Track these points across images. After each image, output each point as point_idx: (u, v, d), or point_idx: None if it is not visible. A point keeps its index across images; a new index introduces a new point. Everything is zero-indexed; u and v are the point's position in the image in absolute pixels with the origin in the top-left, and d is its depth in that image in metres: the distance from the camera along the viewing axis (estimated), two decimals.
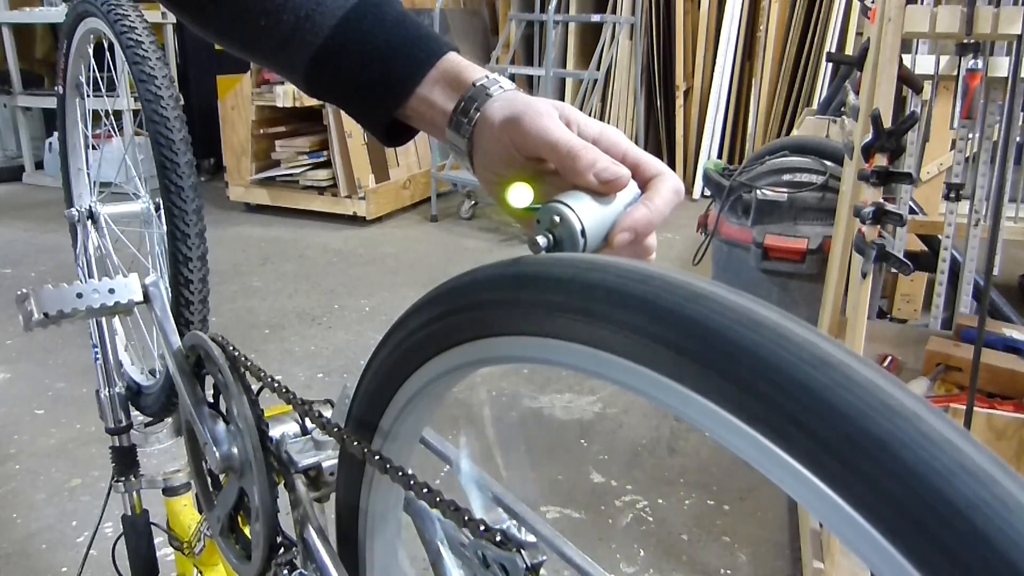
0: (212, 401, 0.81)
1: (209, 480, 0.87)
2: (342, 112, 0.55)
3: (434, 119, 0.51)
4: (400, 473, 0.49)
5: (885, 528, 0.26)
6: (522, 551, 0.43)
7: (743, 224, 2.45)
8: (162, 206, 1.00)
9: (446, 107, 0.50)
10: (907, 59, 2.11)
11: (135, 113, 1.06)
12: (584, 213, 0.44)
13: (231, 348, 0.74)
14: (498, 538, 0.44)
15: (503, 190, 0.48)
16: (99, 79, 1.23)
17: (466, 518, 0.45)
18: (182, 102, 1.03)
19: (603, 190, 0.46)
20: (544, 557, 0.43)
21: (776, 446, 0.29)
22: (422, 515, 0.60)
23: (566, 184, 0.47)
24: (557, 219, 0.44)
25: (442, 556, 0.60)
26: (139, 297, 0.82)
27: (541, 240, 0.44)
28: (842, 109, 2.20)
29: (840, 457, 0.27)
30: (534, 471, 1.89)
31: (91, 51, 1.22)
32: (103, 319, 1.09)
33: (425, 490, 0.48)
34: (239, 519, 0.81)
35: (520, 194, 0.46)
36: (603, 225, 0.45)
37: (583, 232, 0.44)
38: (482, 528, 0.44)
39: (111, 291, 0.79)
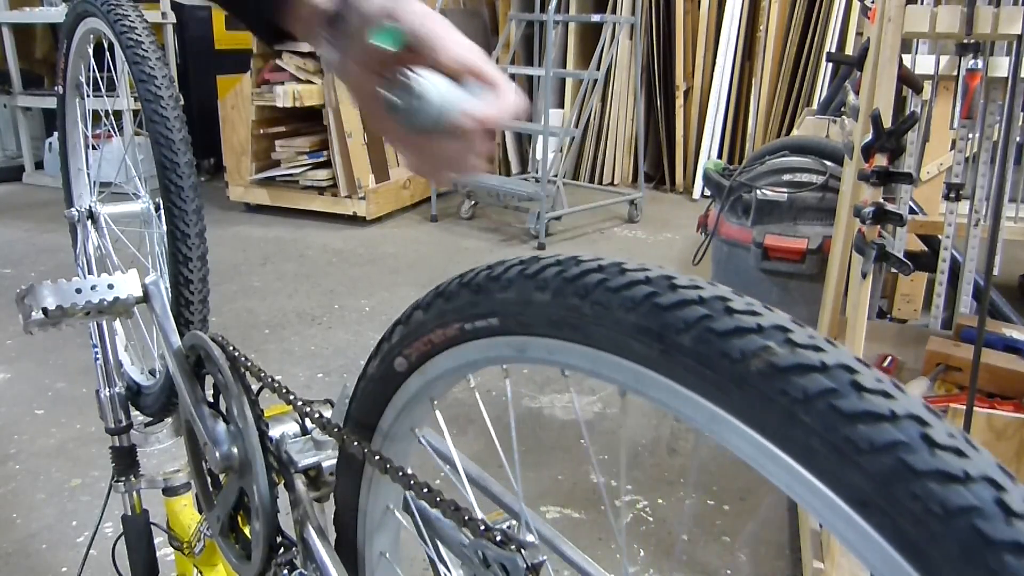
0: (212, 401, 0.81)
1: (209, 480, 0.87)
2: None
3: (310, 18, 0.51)
4: (400, 473, 0.49)
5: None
6: (522, 551, 0.43)
7: (743, 224, 2.45)
8: (162, 206, 1.00)
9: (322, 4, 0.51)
10: (907, 59, 2.11)
11: (135, 113, 1.06)
12: (438, 85, 0.47)
13: (231, 348, 0.74)
14: (498, 538, 0.44)
15: (367, 86, 0.49)
16: (99, 79, 1.23)
17: (466, 518, 0.45)
18: (182, 102, 1.03)
19: (459, 73, 0.48)
20: (544, 557, 0.43)
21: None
22: (422, 515, 0.60)
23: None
24: (415, 87, 0.46)
25: (442, 556, 0.60)
26: (139, 293, 0.82)
27: (396, 99, 0.47)
28: (842, 109, 2.20)
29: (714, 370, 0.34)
30: (534, 471, 1.89)
31: (91, 51, 1.22)
32: (103, 320, 1.09)
33: (425, 490, 0.48)
34: (239, 519, 0.81)
35: (388, 32, 0.48)
36: (452, 103, 0.47)
37: (434, 104, 0.46)
38: (482, 528, 0.44)
39: (110, 287, 0.79)
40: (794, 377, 0.31)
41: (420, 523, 0.61)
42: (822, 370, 0.31)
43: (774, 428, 0.32)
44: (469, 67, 0.48)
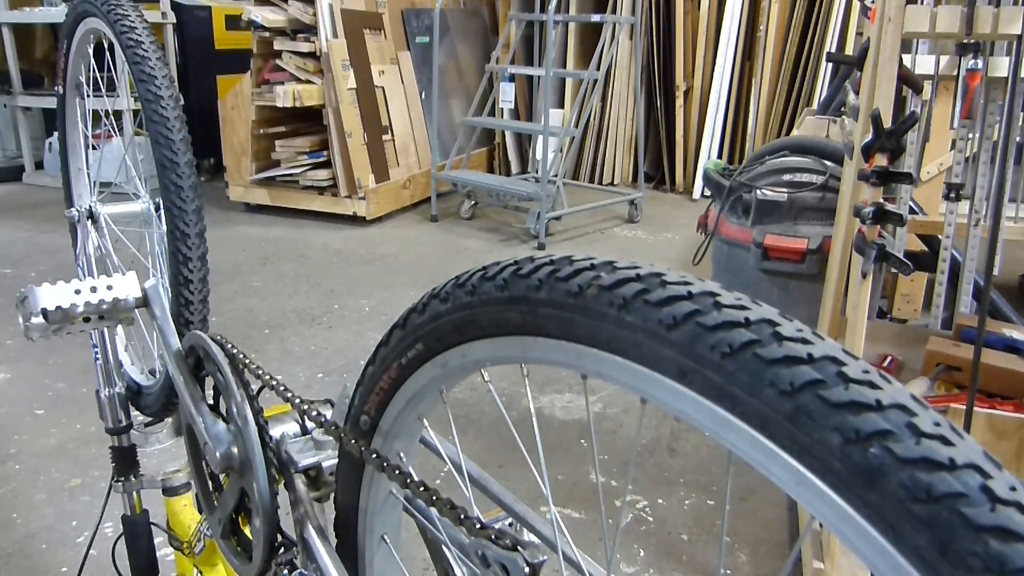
0: (212, 401, 0.80)
1: (209, 480, 0.87)
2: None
3: None
4: (398, 472, 0.49)
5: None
6: (522, 550, 0.43)
7: (743, 224, 2.45)
8: (162, 206, 1.00)
9: None
10: (907, 59, 2.11)
11: (135, 113, 1.06)
12: None
13: (231, 348, 0.74)
14: (495, 537, 0.44)
15: None
16: (99, 79, 1.23)
17: (462, 516, 0.45)
18: (182, 102, 1.03)
19: None
20: (544, 557, 0.43)
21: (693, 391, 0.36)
22: (424, 514, 0.59)
23: None
24: None
25: (444, 555, 0.60)
26: (138, 295, 0.81)
27: None
28: (842, 109, 2.20)
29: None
30: (534, 471, 1.89)
31: (91, 51, 1.22)
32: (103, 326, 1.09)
33: (422, 489, 0.48)
34: (239, 519, 0.81)
35: None
36: None
37: None
38: (478, 526, 0.44)
39: (109, 288, 0.79)
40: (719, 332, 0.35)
41: (421, 523, 0.61)
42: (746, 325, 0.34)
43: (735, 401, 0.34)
44: None
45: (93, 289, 0.78)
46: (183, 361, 0.83)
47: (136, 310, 0.90)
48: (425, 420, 0.54)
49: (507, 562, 0.43)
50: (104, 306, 0.78)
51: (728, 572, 1.59)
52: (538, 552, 0.43)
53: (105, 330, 1.10)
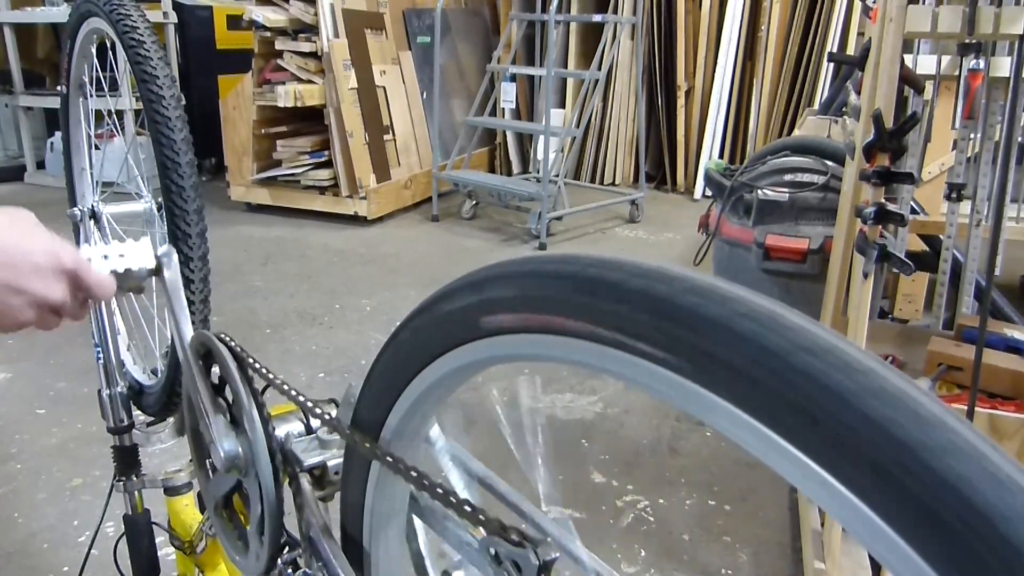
0: (217, 399, 0.80)
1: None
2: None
3: None
4: (414, 473, 0.49)
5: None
6: (535, 547, 0.43)
7: (744, 224, 2.45)
8: (163, 206, 1.00)
9: None
10: (909, 59, 2.11)
11: (137, 113, 1.06)
12: None
13: (237, 347, 0.74)
14: (514, 536, 0.44)
15: None
16: (102, 79, 1.23)
17: (481, 517, 0.45)
18: (183, 102, 1.03)
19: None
20: (556, 554, 0.43)
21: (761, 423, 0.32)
22: (429, 513, 0.59)
23: None
24: None
25: (443, 553, 0.60)
26: (152, 264, 0.80)
27: None
28: (843, 109, 2.20)
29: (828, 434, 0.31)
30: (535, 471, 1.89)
31: (94, 51, 1.22)
32: (103, 310, 1.09)
33: (437, 488, 0.48)
34: (241, 518, 0.81)
35: None
36: None
37: None
38: (493, 523, 0.44)
39: (121, 256, 0.78)
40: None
41: (423, 522, 0.61)
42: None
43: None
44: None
45: (105, 256, 0.77)
46: (195, 345, 0.82)
47: (144, 297, 0.89)
48: (431, 419, 0.54)
49: (519, 559, 0.43)
50: (116, 275, 0.76)
51: (728, 572, 1.59)
52: (550, 549, 0.43)
53: (107, 329, 1.10)
